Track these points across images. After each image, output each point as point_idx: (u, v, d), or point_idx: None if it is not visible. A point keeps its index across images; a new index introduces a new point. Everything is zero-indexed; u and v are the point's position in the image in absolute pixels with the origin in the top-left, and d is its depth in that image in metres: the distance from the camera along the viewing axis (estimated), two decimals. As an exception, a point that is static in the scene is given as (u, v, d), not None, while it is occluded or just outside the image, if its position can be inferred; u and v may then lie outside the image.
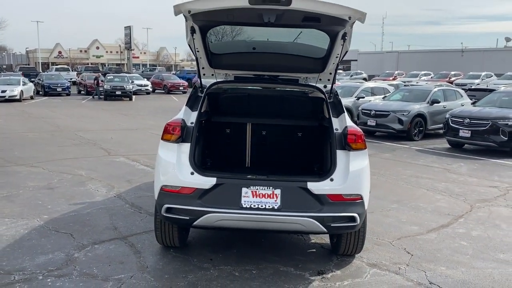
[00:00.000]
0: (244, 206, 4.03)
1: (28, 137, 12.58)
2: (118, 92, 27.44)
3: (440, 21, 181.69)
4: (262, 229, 4.39)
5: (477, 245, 5.22)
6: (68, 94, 30.51)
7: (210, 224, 4.12)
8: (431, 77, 39.52)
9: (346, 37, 4.25)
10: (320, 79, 5.17)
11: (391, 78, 38.71)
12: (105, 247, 4.89)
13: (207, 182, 4.09)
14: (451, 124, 11.74)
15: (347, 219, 4.07)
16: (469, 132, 11.23)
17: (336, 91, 4.98)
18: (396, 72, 46.41)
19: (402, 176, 8.71)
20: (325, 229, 4.07)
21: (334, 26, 4.12)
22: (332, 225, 4.04)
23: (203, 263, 4.53)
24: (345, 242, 4.58)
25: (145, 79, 36.43)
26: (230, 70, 5.14)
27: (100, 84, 28.45)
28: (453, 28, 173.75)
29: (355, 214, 4.06)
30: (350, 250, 4.65)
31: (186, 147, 4.26)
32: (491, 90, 15.51)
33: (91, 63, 76.59)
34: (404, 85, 19.26)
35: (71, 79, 40.04)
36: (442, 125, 12.72)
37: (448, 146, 12.22)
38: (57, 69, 46.32)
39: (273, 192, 4.07)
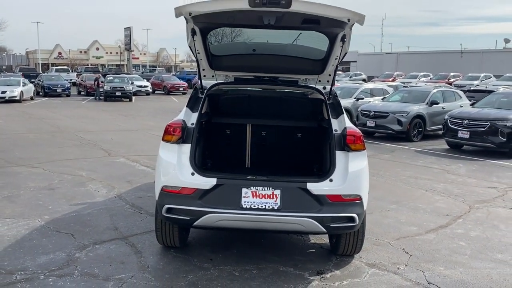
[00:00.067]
0: (244, 206, 4.06)
1: (29, 137, 12.61)
2: (118, 93, 27.48)
3: (439, 22, 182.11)
4: (262, 229, 4.43)
5: (475, 246, 5.26)
6: (68, 95, 30.54)
7: (210, 224, 4.15)
8: (430, 78, 39.55)
9: (345, 39, 4.29)
10: (320, 81, 5.22)
11: (390, 79, 38.78)
12: (106, 247, 4.93)
13: (208, 182, 4.12)
14: (450, 125, 11.78)
15: (346, 220, 4.10)
16: (468, 133, 11.27)
17: (335, 93, 5.02)
18: (395, 73, 46.46)
19: (401, 177, 8.74)
20: (324, 229, 4.10)
21: (334, 28, 4.16)
22: (331, 225, 4.07)
23: (203, 263, 4.57)
24: (344, 242, 4.61)
25: (145, 80, 36.47)
26: (231, 72, 5.18)
27: (100, 85, 28.49)
28: (452, 29, 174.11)
29: (354, 215, 4.09)
30: (349, 250, 4.69)
31: (186, 148, 4.30)
32: (490, 91, 15.58)
33: (91, 64, 76.61)
34: (403, 86, 19.32)
35: (71, 80, 40.04)
36: (441, 126, 12.77)
37: (447, 147, 12.26)
38: (57, 70, 46.31)
39: (273, 192, 4.11)
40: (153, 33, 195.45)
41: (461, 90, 17.46)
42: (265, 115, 5.76)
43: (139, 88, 32.82)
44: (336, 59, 4.73)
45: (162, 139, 4.38)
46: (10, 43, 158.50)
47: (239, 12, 3.91)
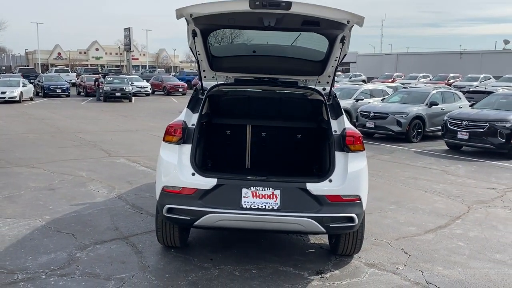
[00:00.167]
0: (244, 206, 4.09)
1: (29, 138, 12.63)
2: (117, 94, 27.53)
3: (439, 23, 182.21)
4: (262, 229, 4.45)
5: (474, 246, 5.29)
6: (67, 96, 30.58)
7: (210, 224, 4.18)
8: (430, 79, 39.61)
9: (344, 41, 4.33)
10: (319, 82, 5.25)
11: (390, 80, 38.83)
12: (106, 247, 4.95)
13: (208, 182, 4.15)
14: (449, 126, 11.82)
15: (346, 220, 4.13)
16: (467, 134, 11.31)
17: (335, 94, 5.05)
18: (395, 74, 46.51)
19: (401, 177, 8.78)
20: (324, 229, 4.13)
21: (333, 29, 4.19)
22: (330, 225, 4.10)
23: (204, 263, 4.59)
24: (343, 242, 4.64)
25: (145, 80, 36.49)
26: (231, 73, 5.21)
27: (100, 86, 28.52)
28: (452, 30, 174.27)
29: (354, 215, 4.12)
30: (349, 250, 4.72)
31: (187, 148, 4.33)
32: (489, 93, 15.62)
33: (91, 65, 76.67)
34: (403, 87, 19.36)
35: (70, 80, 40.11)
36: (440, 127, 12.81)
37: (446, 148, 12.30)
38: (56, 71, 46.36)
39: (272, 192, 4.14)
40: (152, 34, 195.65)
41: (461, 91, 17.53)
42: (265, 116, 5.79)
43: (139, 89, 32.87)
44: (335, 60, 4.77)
45: (163, 140, 4.41)
46: (10, 43, 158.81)
47: (240, 14, 3.95)
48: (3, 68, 70.72)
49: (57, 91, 30.18)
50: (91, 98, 29.60)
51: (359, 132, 4.52)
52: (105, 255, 4.75)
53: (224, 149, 5.87)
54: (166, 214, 4.19)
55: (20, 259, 4.57)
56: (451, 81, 37.11)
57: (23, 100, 25.22)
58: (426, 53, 62.83)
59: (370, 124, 13.77)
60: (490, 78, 36.67)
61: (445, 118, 12.20)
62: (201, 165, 4.82)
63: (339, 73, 47.12)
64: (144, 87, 33.69)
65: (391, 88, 18.49)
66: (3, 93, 24.29)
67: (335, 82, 5.53)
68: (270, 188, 4.14)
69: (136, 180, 8.00)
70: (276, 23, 4.03)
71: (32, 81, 32.98)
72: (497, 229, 5.91)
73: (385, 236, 5.50)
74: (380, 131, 13.80)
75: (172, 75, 46.28)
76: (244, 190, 4.13)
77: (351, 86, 18.71)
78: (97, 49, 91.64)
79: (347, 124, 4.52)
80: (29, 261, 4.52)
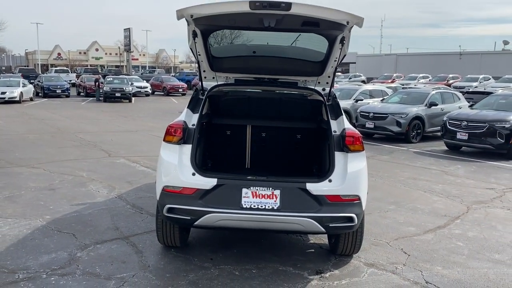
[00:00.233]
0: (244, 206, 4.11)
1: (29, 138, 12.65)
2: (117, 94, 27.55)
3: (439, 23, 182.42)
4: (262, 229, 4.47)
5: (473, 246, 5.31)
6: (67, 96, 30.59)
7: (211, 224, 4.20)
8: (429, 80, 39.68)
9: (344, 41, 4.35)
10: (319, 82, 5.27)
11: (389, 81, 38.90)
12: (107, 247, 4.97)
13: (208, 182, 4.17)
14: (448, 127, 11.84)
15: (345, 220, 4.15)
16: (467, 134, 11.33)
17: (335, 94, 5.07)
18: (394, 74, 46.57)
19: (400, 178, 8.80)
20: (323, 229, 4.15)
21: (333, 30, 4.21)
22: (330, 225, 4.12)
23: (204, 263, 4.61)
24: (343, 242, 4.66)
25: (145, 81, 36.52)
26: (231, 73, 5.23)
27: (101, 86, 28.54)
28: (451, 31, 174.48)
29: (353, 215, 4.14)
30: (348, 250, 4.73)
31: (187, 148, 4.34)
32: (488, 93, 15.64)
33: (90, 65, 76.64)
34: (402, 88, 19.39)
35: (70, 80, 40.13)
36: (439, 127, 12.83)
37: (446, 148, 12.33)
38: (56, 71, 46.39)
39: (272, 192, 4.15)
40: (152, 34, 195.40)
41: (460, 91, 17.55)
42: (265, 116, 5.81)
43: (139, 89, 32.90)
44: (335, 61, 4.79)
45: (164, 140, 4.43)
46: (10, 43, 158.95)
47: (240, 15, 3.97)
48: (3, 68, 70.71)
49: (57, 91, 30.20)
50: (91, 98, 29.62)
51: (359, 133, 4.54)
52: (106, 254, 4.76)
53: (224, 149, 5.89)
54: (166, 214, 4.21)
55: (21, 259, 4.58)
56: (451, 81, 37.17)
57: (23, 101, 25.23)
58: (426, 54, 62.91)
59: (369, 124, 13.80)
60: (490, 79, 36.74)
61: (445, 118, 12.22)
62: (201, 165, 4.84)
63: (339, 73, 47.17)
64: (144, 88, 33.71)
65: (391, 89, 18.53)
66: (3, 93, 24.30)
67: (335, 83, 5.55)
68: (270, 188, 4.16)
69: (136, 180, 8.02)
70: (276, 24, 4.05)
71: (32, 81, 33.00)
72: (496, 229, 5.93)
73: (385, 236, 5.52)
74: (380, 132, 13.82)
75: (172, 76, 46.28)
76: (244, 190, 4.15)
77: (351, 86, 18.74)
78: (97, 50, 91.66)
79: (347, 125, 4.54)
80: (30, 261, 4.54)
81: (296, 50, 4.97)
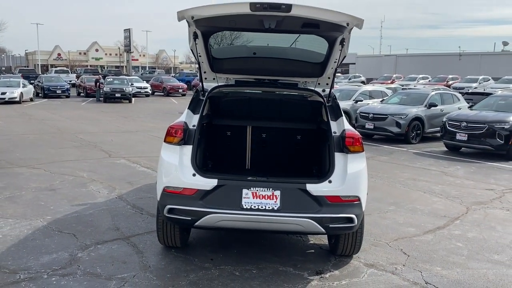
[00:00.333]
0: (244, 207, 4.12)
1: (29, 139, 12.66)
2: (117, 95, 27.58)
3: (439, 24, 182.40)
4: (262, 229, 4.48)
5: (472, 246, 5.32)
6: (67, 96, 30.61)
7: (211, 225, 4.21)
8: (429, 81, 39.70)
9: (344, 43, 4.37)
10: (319, 83, 5.29)
11: (389, 82, 38.93)
12: (108, 247, 4.99)
13: (209, 183, 4.19)
14: (448, 128, 11.86)
15: (345, 220, 4.17)
16: (466, 135, 11.35)
17: (334, 95, 5.09)
18: (394, 75, 46.59)
19: (400, 178, 8.81)
20: (323, 230, 4.16)
21: (333, 32, 4.23)
22: (330, 225, 4.14)
23: (204, 263, 4.63)
24: (343, 242, 4.68)
25: (145, 81, 36.53)
26: (231, 74, 5.25)
27: (101, 87, 28.56)
28: (451, 31, 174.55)
29: (353, 215, 4.16)
30: (348, 250, 4.75)
31: (188, 149, 4.36)
32: (488, 94, 15.65)
33: (90, 66, 76.71)
34: (402, 89, 19.42)
35: (70, 81, 40.15)
36: (439, 128, 12.85)
37: (445, 149, 12.34)
38: (56, 72, 46.43)
39: (273, 193, 4.17)
40: (152, 35, 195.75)
41: (460, 92, 17.57)
42: (265, 117, 5.83)
43: (139, 90, 32.91)
44: (335, 62, 4.81)
45: (164, 141, 4.45)
46: (10, 44, 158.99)
47: (241, 16, 3.99)
48: (3, 68, 70.73)
49: (57, 92, 30.22)
50: (91, 99, 29.64)
51: (359, 133, 4.56)
52: (106, 255, 4.78)
53: (224, 150, 5.91)
54: (167, 215, 4.23)
55: (22, 259, 4.60)
56: (450, 82, 37.20)
57: (23, 101, 25.25)
58: (425, 55, 62.99)
59: (369, 125, 13.82)
60: (489, 80, 36.76)
61: (444, 119, 12.24)
62: (201, 166, 4.85)
63: (339, 74, 47.20)
64: (144, 88, 33.73)
65: (390, 90, 18.55)
66: (3, 93, 24.33)
67: (335, 84, 5.57)
68: (270, 189, 4.18)
69: (136, 180, 8.03)
70: (276, 25, 4.06)
71: (32, 81, 33.02)
72: (496, 230, 5.95)
73: (384, 237, 5.54)
74: (379, 132, 13.84)
75: (172, 76, 46.30)
76: (244, 191, 4.17)
77: (351, 87, 18.76)
78: (97, 50, 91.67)
79: (347, 125, 4.56)
80: (31, 261, 4.56)
81: (296, 52, 4.99)
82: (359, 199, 4.24)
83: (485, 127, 11.04)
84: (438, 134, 13.12)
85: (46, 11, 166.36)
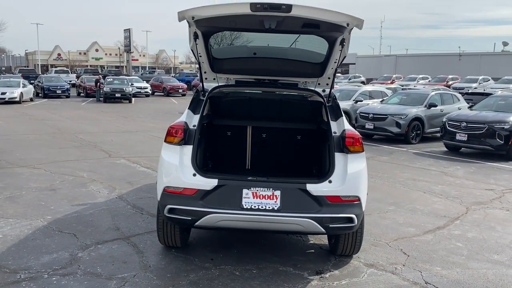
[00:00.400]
0: (244, 207, 4.13)
1: (29, 139, 12.67)
2: (117, 95, 27.59)
3: (438, 25, 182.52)
4: (262, 229, 4.49)
5: (472, 246, 5.33)
6: (67, 96, 30.62)
7: (211, 225, 4.22)
8: (429, 81, 39.71)
9: (344, 43, 4.38)
10: (319, 84, 5.30)
11: (389, 82, 38.94)
12: (108, 247, 4.99)
13: (209, 183, 4.19)
14: (448, 128, 11.87)
15: (345, 220, 4.17)
16: (466, 135, 11.36)
17: (335, 95, 5.10)
18: (394, 75, 46.60)
19: (399, 178, 8.82)
20: (323, 230, 4.17)
21: (333, 32, 4.24)
22: (330, 225, 4.14)
23: (204, 263, 4.63)
24: (343, 242, 4.68)
25: (145, 81, 36.54)
26: (232, 75, 5.26)
27: (101, 87, 28.57)
28: (450, 32, 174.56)
29: (353, 215, 4.16)
30: (348, 250, 4.76)
31: (188, 149, 4.37)
32: (488, 94, 15.67)
33: (90, 66, 76.76)
34: (402, 89, 19.43)
35: (70, 81, 40.16)
36: (439, 128, 12.86)
37: (445, 149, 12.35)
38: (56, 72, 46.44)
39: (273, 193, 4.18)
40: (152, 35, 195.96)
41: (459, 92, 17.59)
42: (266, 117, 5.83)
43: (139, 90, 32.92)
44: (335, 62, 4.81)
45: (165, 141, 4.46)
46: (10, 44, 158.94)
47: (241, 17, 3.99)
48: (3, 68, 70.73)
49: (57, 92, 30.23)
50: (91, 99, 29.65)
51: (359, 134, 4.56)
52: (107, 255, 4.79)
53: (225, 150, 5.92)
54: (167, 215, 4.24)
55: (23, 259, 4.61)
56: (450, 82, 37.21)
57: (23, 101, 25.26)
58: (425, 55, 63.00)
59: (369, 125, 13.82)
60: (489, 80, 36.77)
61: (444, 119, 12.25)
62: (202, 166, 4.86)
63: (339, 74, 47.22)
64: (144, 88, 33.74)
65: (390, 90, 18.56)
66: (3, 93, 24.33)
67: (335, 84, 5.58)
68: (271, 189, 4.19)
69: (136, 180, 8.04)
70: (276, 26, 4.07)
71: (32, 81, 33.02)
72: (495, 230, 5.96)
73: (384, 237, 5.54)
74: (379, 133, 13.85)
75: (172, 76, 46.31)
76: (244, 191, 4.18)
77: (351, 87, 18.78)
78: (97, 50, 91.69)
79: (347, 126, 4.57)
80: (31, 261, 4.56)
81: (297, 52, 5.00)
82: (359, 199, 4.25)
83: (485, 127, 11.05)
84: (438, 134, 13.13)
85: (46, 11, 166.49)
